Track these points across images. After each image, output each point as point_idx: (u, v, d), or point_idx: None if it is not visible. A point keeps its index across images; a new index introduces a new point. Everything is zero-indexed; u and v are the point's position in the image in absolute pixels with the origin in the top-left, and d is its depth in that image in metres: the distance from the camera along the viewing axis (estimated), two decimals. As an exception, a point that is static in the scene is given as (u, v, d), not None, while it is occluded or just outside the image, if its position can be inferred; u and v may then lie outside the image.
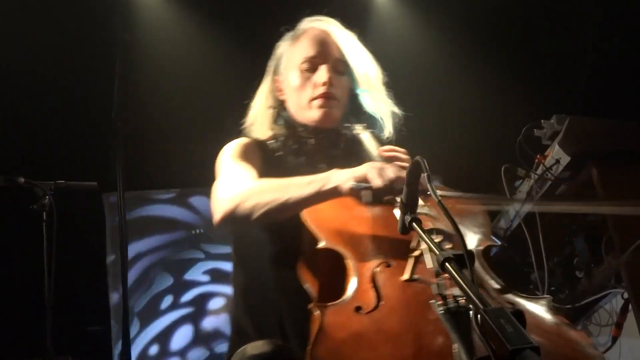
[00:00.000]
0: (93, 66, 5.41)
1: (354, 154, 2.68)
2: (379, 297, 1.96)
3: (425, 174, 1.79)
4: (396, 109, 2.81)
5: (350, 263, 2.11)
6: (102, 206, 6.19)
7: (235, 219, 2.36)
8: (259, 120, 2.84)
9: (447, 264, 1.61)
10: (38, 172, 4.17)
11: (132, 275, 6.13)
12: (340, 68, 2.72)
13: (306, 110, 2.70)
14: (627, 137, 3.54)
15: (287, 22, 2.91)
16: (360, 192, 2.17)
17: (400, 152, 2.68)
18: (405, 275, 2.03)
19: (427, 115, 6.17)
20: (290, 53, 2.80)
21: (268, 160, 2.65)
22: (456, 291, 1.74)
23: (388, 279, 2.04)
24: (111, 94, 4.15)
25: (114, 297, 6.03)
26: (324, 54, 2.72)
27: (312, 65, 2.71)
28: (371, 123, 2.79)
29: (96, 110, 4.95)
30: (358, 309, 1.92)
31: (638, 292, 3.22)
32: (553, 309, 2.05)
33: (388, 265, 2.10)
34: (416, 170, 1.87)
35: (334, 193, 2.23)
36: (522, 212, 3.79)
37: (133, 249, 6.12)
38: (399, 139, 2.80)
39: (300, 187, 2.28)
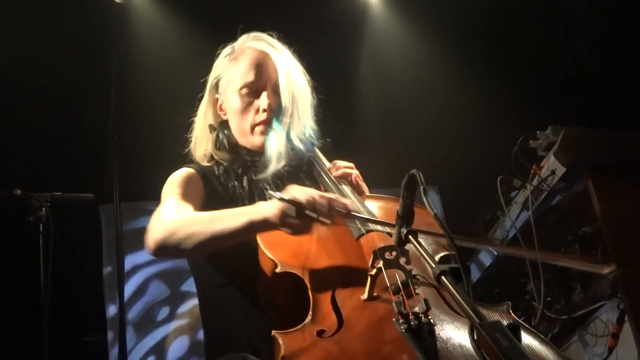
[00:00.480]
0: (89, 77, 5.41)
1: (302, 171, 2.72)
2: (340, 319, 1.96)
3: (421, 188, 1.79)
4: (304, 145, 2.71)
5: (308, 285, 2.11)
6: (98, 217, 6.18)
7: (166, 250, 2.37)
8: (199, 140, 2.85)
9: (442, 277, 1.61)
10: (34, 183, 4.16)
11: (129, 286, 6.11)
12: (278, 90, 2.71)
13: (249, 135, 2.71)
14: (622, 147, 3.56)
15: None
16: (287, 213, 2.15)
17: (347, 168, 2.70)
18: (365, 295, 2.02)
19: (423, 126, 6.19)
20: (230, 73, 2.80)
21: (211, 188, 2.65)
22: (416, 308, 1.75)
23: (348, 300, 2.04)
24: (107, 105, 4.16)
25: (110, 308, 6.02)
26: (263, 78, 2.72)
27: (252, 90, 2.72)
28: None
29: (92, 122, 4.96)
30: (320, 332, 1.92)
31: (634, 302, 3.23)
32: (511, 315, 2.04)
33: (347, 286, 2.10)
34: (412, 183, 1.87)
35: (264, 224, 2.22)
36: (518, 223, 3.80)
37: (129, 260, 6.10)
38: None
39: (231, 219, 2.28)
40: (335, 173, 2.65)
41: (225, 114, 2.81)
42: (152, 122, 5.87)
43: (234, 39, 2.94)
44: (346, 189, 2.55)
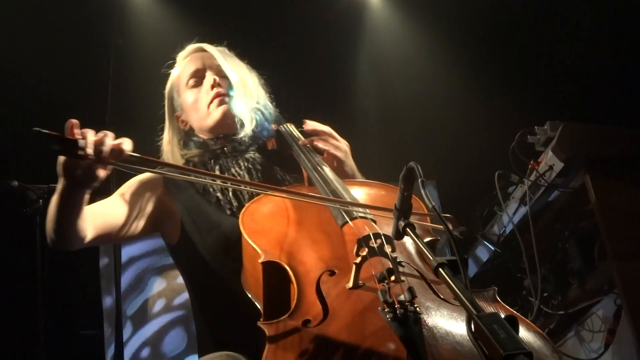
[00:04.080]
0: (87, 70, 5.41)
1: (277, 153, 2.81)
2: (325, 309, 1.94)
3: (420, 180, 1.78)
4: (266, 111, 2.82)
5: (292, 275, 2.09)
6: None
7: (52, 244, 2.43)
8: (172, 153, 2.89)
9: (440, 269, 1.61)
10: (31, 175, 4.15)
11: (125, 278, 6.11)
12: (223, 73, 2.82)
13: (207, 117, 2.79)
14: (620, 142, 3.56)
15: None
16: (63, 163, 2.16)
17: (321, 127, 2.73)
18: (350, 283, 2.00)
19: (420, 121, 6.20)
20: (177, 83, 2.91)
21: (177, 185, 2.66)
22: (402, 296, 1.74)
23: (333, 288, 2.02)
24: (105, 99, 4.15)
25: (107, 301, 6.01)
26: (205, 64, 2.85)
27: (198, 78, 2.85)
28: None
29: (89, 115, 4.94)
30: (306, 322, 1.89)
31: (631, 298, 3.23)
32: (498, 301, 2.03)
33: (332, 274, 2.08)
34: (410, 175, 1.87)
35: (65, 187, 2.22)
36: (515, 218, 3.80)
37: (126, 252, 6.10)
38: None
39: (55, 199, 2.29)
40: (307, 127, 2.73)
41: (186, 124, 2.89)
42: (149, 116, 5.87)
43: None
44: (326, 170, 2.55)
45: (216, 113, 2.76)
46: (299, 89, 2.92)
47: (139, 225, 2.58)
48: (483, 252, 4.23)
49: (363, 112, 6.48)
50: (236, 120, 2.75)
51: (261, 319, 1.96)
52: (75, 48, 5.62)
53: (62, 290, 5.03)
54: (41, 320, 3.81)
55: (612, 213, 3.35)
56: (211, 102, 2.77)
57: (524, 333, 1.84)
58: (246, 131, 2.73)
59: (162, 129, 2.97)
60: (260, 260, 2.13)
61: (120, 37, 4.58)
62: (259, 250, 2.16)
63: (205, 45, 2.91)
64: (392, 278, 1.89)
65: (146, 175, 2.65)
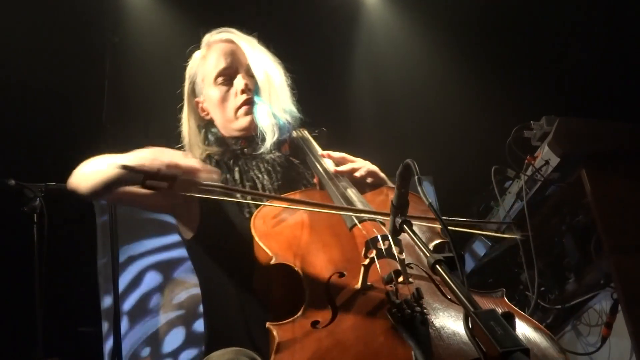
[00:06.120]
0: (84, 67, 5.41)
1: (294, 156, 2.76)
2: (334, 310, 1.96)
3: (416, 177, 1.79)
4: (289, 117, 2.78)
5: (302, 277, 2.11)
6: (92, 208, 6.18)
7: (74, 190, 2.41)
8: (192, 145, 2.85)
9: (437, 266, 1.61)
10: (28, 173, 4.15)
11: (123, 276, 6.12)
12: (251, 72, 2.77)
13: (233, 121, 2.76)
14: (616, 137, 3.55)
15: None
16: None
17: (351, 163, 2.67)
18: (358, 285, 2.02)
19: (417, 117, 6.20)
20: (203, 71, 2.84)
21: None
22: (409, 298, 1.75)
23: (342, 290, 2.04)
24: (102, 96, 4.16)
25: (105, 298, 6.02)
26: (235, 62, 2.78)
27: (227, 78, 2.77)
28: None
29: (86, 112, 4.95)
30: (315, 323, 1.91)
31: (627, 292, 3.23)
32: (505, 301, 2.04)
33: (341, 276, 2.10)
34: (407, 172, 1.87)
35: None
36: (512, 213, 3.80)
37: (123, 250, 6.11)
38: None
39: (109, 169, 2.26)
40: (341, 168, 2.63)
41: (208, 114, 2.85)
42: (146, 112, 5.87)
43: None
44: (344, 183, 2.55)
45: (243, 121, 2.74)
46: (294, 88, 2.89)
47: (160, 199, 2.51)
48: (480, 246, 4.24)
49: (359, 110, 6.48)
50: (258, 132, 2.72)
51: (270, 320, 1.96)
52: (71, 46, 5.63)
53: (60, 287, 5.04)
54: (39, 317, 3.81)
55: (609, 207, 3.35)
56: (239, 107, 2.74)
57: (530, 333, 1.87)
58: (266, 146, 2.69)
59: (181, 109, 2.93)
60: (271, 263, 2.15)
61: (116, 35, 4.58)
62: (270, 253, 2.18)
63: (236, 37, 2.83)
64: (400, 279, 1.90)
65: None
